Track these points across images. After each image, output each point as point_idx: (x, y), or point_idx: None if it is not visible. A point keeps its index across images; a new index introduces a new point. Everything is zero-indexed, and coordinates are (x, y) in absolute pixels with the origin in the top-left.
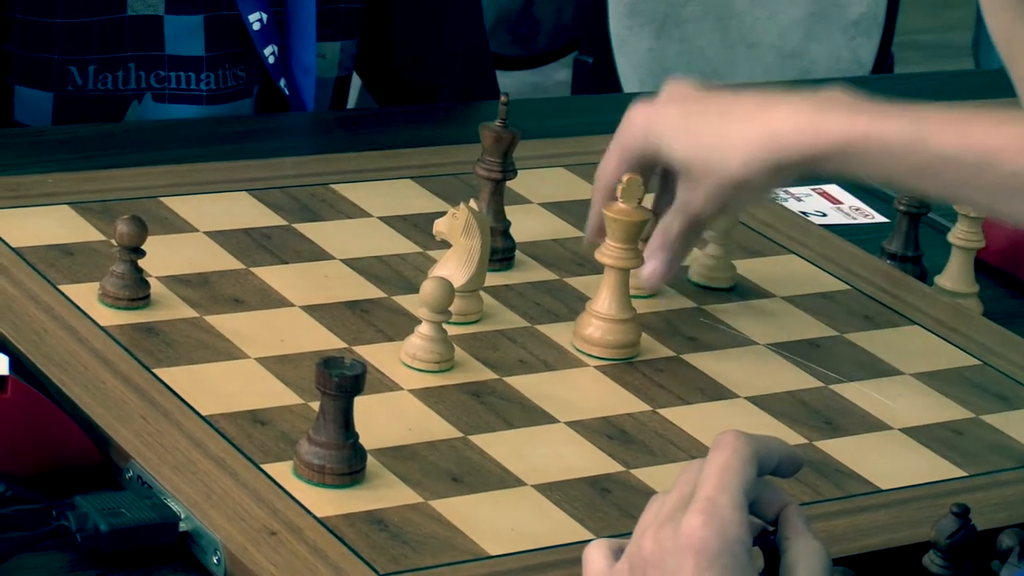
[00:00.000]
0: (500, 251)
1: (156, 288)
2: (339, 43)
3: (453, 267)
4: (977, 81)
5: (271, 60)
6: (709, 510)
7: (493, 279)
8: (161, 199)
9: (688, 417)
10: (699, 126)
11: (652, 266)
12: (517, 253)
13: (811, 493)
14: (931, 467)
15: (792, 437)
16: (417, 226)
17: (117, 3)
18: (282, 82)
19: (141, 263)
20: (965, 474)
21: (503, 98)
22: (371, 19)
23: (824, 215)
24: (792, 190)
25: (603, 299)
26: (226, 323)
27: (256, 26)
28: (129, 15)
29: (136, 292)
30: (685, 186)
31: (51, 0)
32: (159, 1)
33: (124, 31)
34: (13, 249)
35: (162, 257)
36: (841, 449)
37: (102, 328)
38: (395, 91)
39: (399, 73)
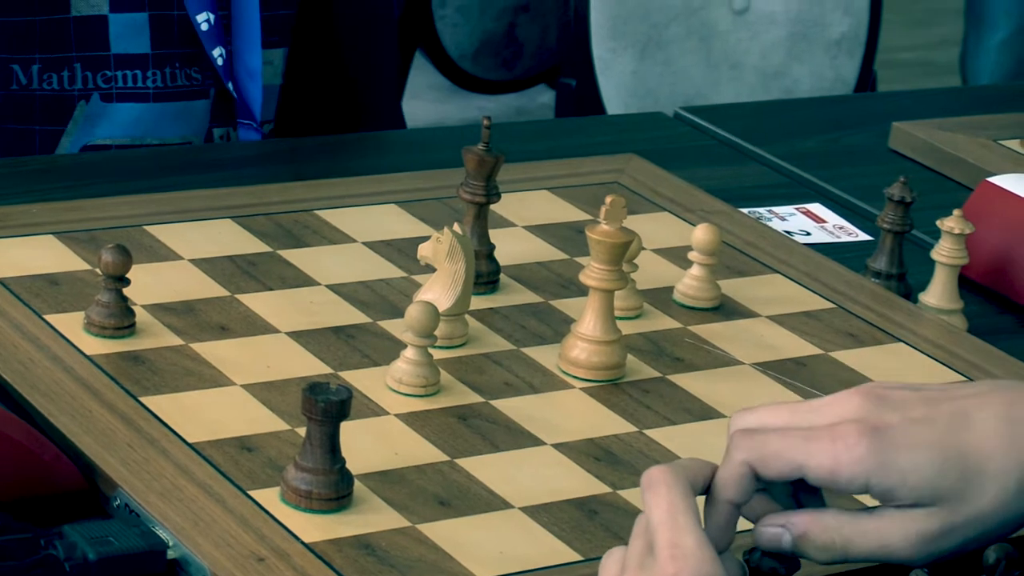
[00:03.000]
0: (485, 274)
1: (142, 316)
2: (283, 50)
3: (438, 291)
4: (963, 98)
5: (219, 62)
6: (680, 556)
7: (478, 303)
8: (145, 227)
9: (675, 438)
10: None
11: None
12: (502, 276)
13: None
14: None
15: None
16: (402, 251)
17: (60, 4)
18: (230, 85)
19: (126, 291)
20: None
21: (485, 121)
22: (301, 28)
23: (808, 234)
24: (776, 209)
25: (588, 321)
26: (212, 350)
27: (204, 27)
28: (73, 16)
29: (122, 321)
30: None
31: None
32: (103, 1)
33: (68, 31)
34: None
35: (147, 285)
36: None
37: (88, 357)
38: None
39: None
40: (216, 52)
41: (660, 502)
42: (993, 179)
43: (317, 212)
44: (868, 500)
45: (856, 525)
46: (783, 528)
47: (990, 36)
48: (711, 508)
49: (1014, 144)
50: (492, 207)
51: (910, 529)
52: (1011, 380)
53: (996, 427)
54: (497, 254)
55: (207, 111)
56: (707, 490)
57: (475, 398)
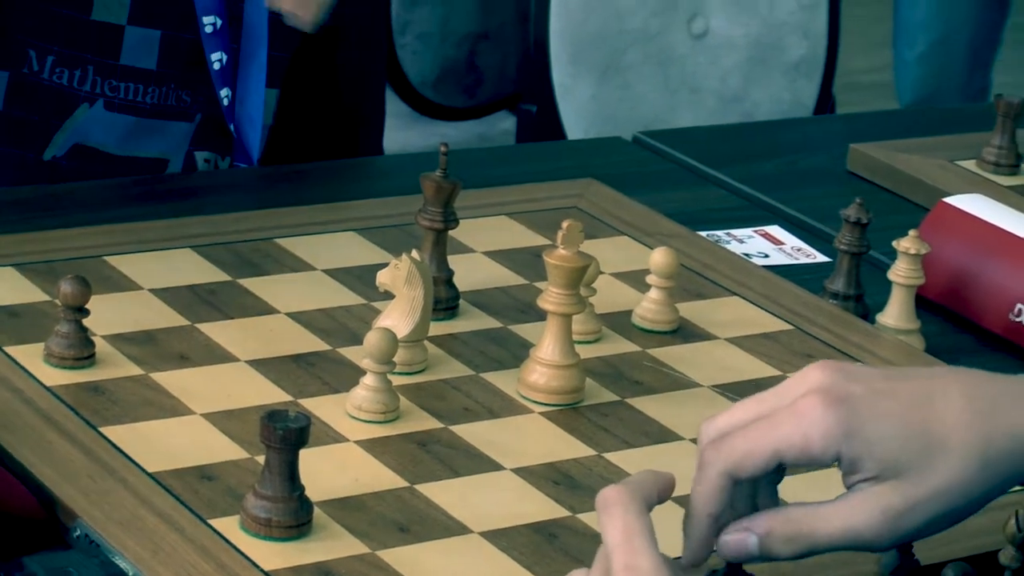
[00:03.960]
0: (444, 300)
1: (101, 347)
2: (275, 91)
3: (396, 318)
4: (921, 119)
5: (225, 103)
6: None
7: (437, 328)
8: (105, 258)
9: (634, 461)
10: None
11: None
12: (461, 302)
13: None
14: None
15: None
16: (360, 278)
17: (84, 2)
18: (232, 126)
19: (86, 322)
20: None
21: (442, 148)
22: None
23: (766, 256)
24: (734, 232)
25: (547, 345)
26: (172, 380)
27: (216, 66)
28: (93, 19)
29: (81, 351)
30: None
31: None
32: (123, 11)
33: (88, 32)
34: None
35: (107, 316)
36: (791, 490)
37: (48, 388)
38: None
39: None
40: (223, 92)
41: (616, 523)
42: (949, 199)
43: (276, 240)
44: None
45: (819, 512)
46: (747, 532)
47: (909, 52)
48: (691, 524)
49: (970, 165)
50: (452, 233)
51: (874, 507)
52: (970, 368)
53: (958, 403)
54: (456, 280)
55: (188, 134)
56: (659, 500)
57: (435, 424)
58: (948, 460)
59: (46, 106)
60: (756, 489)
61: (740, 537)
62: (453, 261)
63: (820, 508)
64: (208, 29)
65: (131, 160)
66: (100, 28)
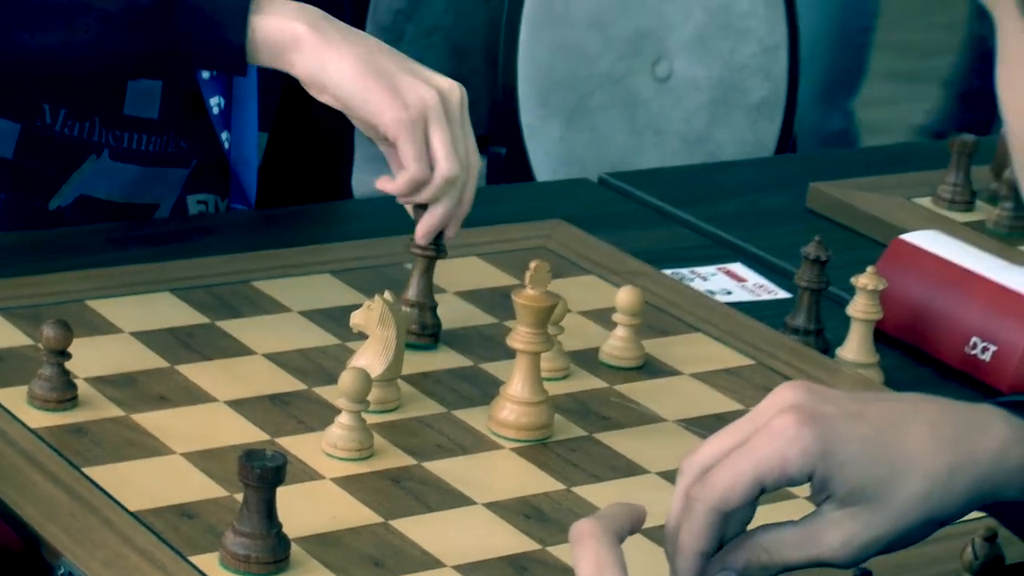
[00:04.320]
0: (429, 327)
1: (83, 389)
2: (265, 134)
3: (370, 357)
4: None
5: (226, 146)
6: None
7: (410, 366)
8: (86, 302)
9: (602, 494)
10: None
11: None
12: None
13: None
14: None
15: None
16: (335, 319)
17: None
18: (233, 169)
19: (68, 365)
20: None
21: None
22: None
23: (729, 293)
24: (698, 270)
25: (516, 383)
26: (152, 420)
27: (215, 110)
28: None
29: (63, 394)
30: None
31: None
32: None
33: (95, 87)
34: None
35: (89, 358)
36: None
37: (31, 430)
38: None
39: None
40: (224, 136)
41: (588, 555)
42: (906, 236)
43: (253, 283)
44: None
45: (786, 540)
46: (726, 572)
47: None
48: (680, 562)
49: (926, 202)
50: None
51: (838, 535)
52: (934, 396)
53: (924, 431)
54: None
55: (182, 180)
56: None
57: (408, 460)
58: (912, 487)
59: (56, 157)
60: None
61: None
62: None
63: (786, 534)
64: (205, 75)
65: (128, 207)
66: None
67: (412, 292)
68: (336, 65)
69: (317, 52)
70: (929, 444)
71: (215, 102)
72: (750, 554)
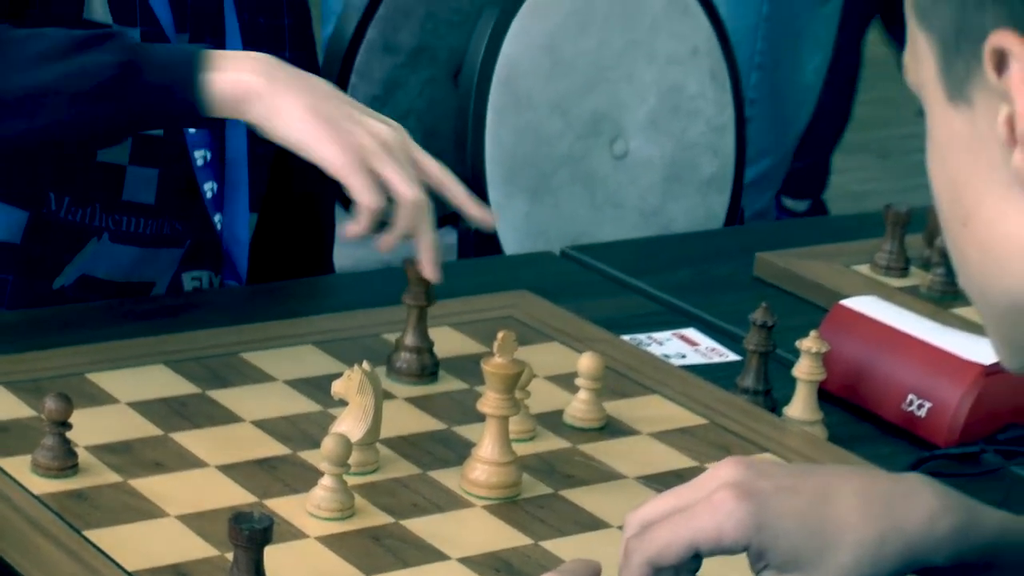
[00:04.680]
0: (428, 367)
1: (84, 456)
2: (255, 215)
3: (351, 423)
4: (821, 228)
5: (219, 227)
6: None
7: (388, 429)
8: (86, 375)
9: (567, 548)
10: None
11: None
12: (407, 405)
13: None
14: None
15: None
16: (318, 387)
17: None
18: (224, 247)
19: (69, 435)
20: None
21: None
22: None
23: (683, 356)
24: (654, 335)
25: (486, 445)
26: (148, 485)
27: (208, 194)
28: (99, 160)
29: (65, 462)
30: None
31: None
32: (124, 153)
33: (96, 175)
34: None
35: (88, 428)
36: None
37: (35, 496)
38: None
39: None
40: (217, 217)
41: None
42: (845, 302)
43: (241, 355)
44: None
45: None
46: None
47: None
48: None
49: (864, 269)
50: (399, 343)
51: None
52: (865, 466)
53: (854, 503)
54: (400, 387)
55: (178, 258)
56: None
57: (386, 519)
58: (843, 556)
59: (60, 241)
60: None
61: None
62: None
63: None
64: (200, 162)
65: (126, 285)
66: (106, 168)
67: (410, 339)
68: (287, 114)
69: (269, 101)
70: (859, 515)
71: (208, 187)
72: None
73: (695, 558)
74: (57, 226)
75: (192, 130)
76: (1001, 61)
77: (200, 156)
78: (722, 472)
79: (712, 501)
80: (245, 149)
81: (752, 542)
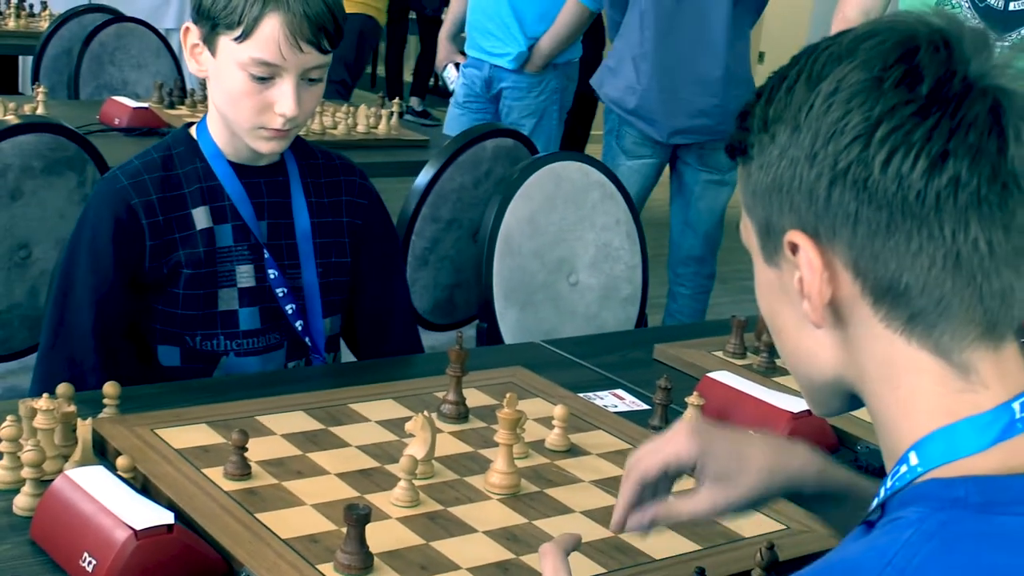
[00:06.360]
0: (463, 413)
1: (255, 468)
2: (337, 316)
3: (418, 448)
4: (697, 328)
5: (299, 328)
6: None
7: (441, 449)
8: (256, 417)
9: (551, 526)
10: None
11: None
12: (451, 438)
13: None
14: None
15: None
16: (397, 426)
17: (211, 302)
18: (308, 339)
19: (246, 455)
20: None
21: (459, 335)
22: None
23: (616, 406)
24: (599, 393)
25: (499, 462)
26: (294, 486)
27: (289, 310)
28: (219, 310)
29: (244, 471)
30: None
31: (174, 297)
32: (235, 301)
33: (216, 319)
34: (176, 450)
35: (258, 450)
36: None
37: (225, 492)
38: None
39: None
40: (298, 323)
41: (549, 563)
42: (711, 374)
43: (349, 405)
44: None
45: (679, 505)
46: (643, 514)
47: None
48: (617, 509)
49: (720, 354)
50: (445, 398)
51: (708, 501)
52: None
53: (761, 446)
54: (446, 426)
55: (284, 355)
56: (575, 550)
57: (438, 507)
58: (751, 477)
59: (202, 362)
60: (658, 487)
61: (639, 517)
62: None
63: (680, 501)
64: (280, 294)
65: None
66: (223, 314)
67: (451, 396)
68: None
69: None
70: (763, 454)
71: (289, 308)
72: (659, 512)
73: (669, 479)
74: (199, 353)
75: (272, 274)
76: (794, 247)
77: (281, 291)
78: (681, 425)
79: (674, 438)
80: (316, 281)
81: (698, 462)
